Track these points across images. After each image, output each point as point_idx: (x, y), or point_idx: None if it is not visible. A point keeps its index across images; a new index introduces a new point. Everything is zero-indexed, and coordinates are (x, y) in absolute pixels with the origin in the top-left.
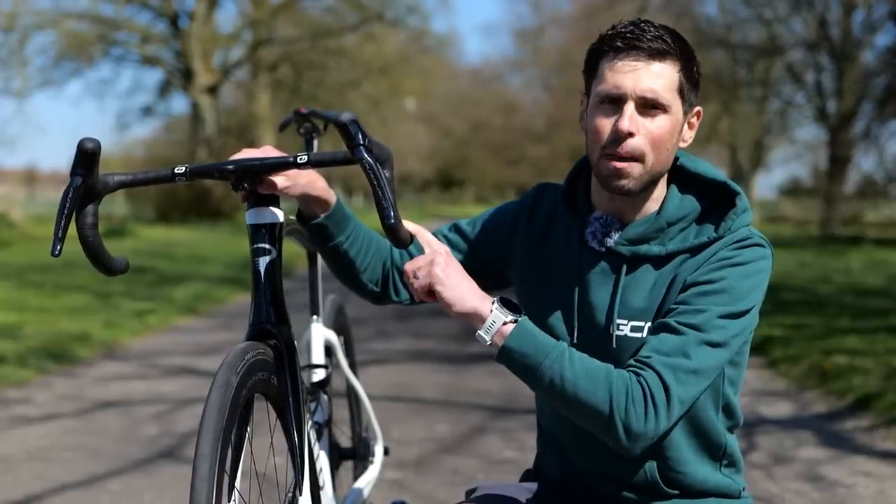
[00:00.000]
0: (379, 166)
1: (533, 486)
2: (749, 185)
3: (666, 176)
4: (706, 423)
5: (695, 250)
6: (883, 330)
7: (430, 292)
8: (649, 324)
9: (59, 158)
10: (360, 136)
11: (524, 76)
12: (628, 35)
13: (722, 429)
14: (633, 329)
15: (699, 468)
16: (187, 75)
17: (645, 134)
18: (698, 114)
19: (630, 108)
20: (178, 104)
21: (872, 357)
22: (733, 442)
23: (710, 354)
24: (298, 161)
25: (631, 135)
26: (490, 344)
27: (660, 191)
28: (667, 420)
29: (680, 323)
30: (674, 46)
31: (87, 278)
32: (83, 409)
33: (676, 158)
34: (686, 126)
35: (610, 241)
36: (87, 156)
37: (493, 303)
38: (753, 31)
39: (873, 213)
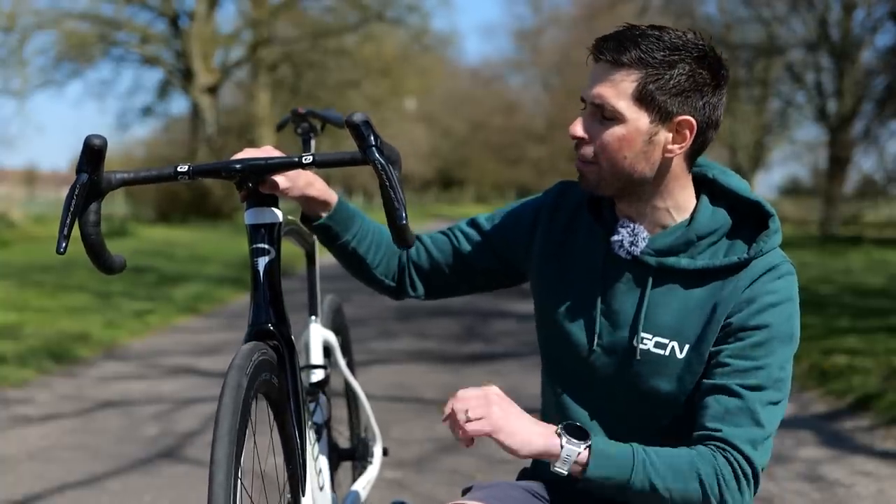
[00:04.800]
0: (391, 167)
1: (529, 484)
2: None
3: (690, 187)
4: None
5: (726, 270)
6: (883, 330)
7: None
8: (675, 343)
9: (59, 158)
10: (373, 137)
11: (524, 76)
12: (602, 43)
13: None
14: (657, 345)
15: None
16: (187, 75)
17: (596, 140)
18: (687, 124)
19: (584, 114)
20: (178, 104)
21: (872, 357)
22: None
23: (777, 412)
24: (303, 161)
25: (581, 140)
26: (568, 474)
27: (674, 201)
28: (755, 492)
29: (742, 386)
30: (634, 55)
31: (87, 278)
32: (83, 409)
33: (700, 170)
34: (670, 135)
35: (636, 250)
36: (94, 152)
37: (559, 437)
38: (753, 30)
39: (873, 213)
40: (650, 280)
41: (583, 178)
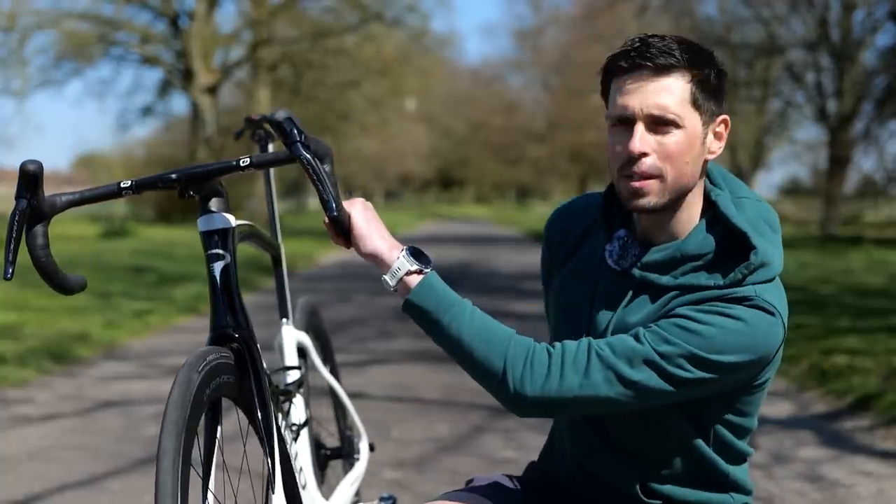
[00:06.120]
0: (318, 161)
1: (531, 479)
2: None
3: (700, 205)
4: (697, 450)
5: (697, 289)
6: (883, 330)
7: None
8: None
9: (59, 158)
10: (296, 133)
11: (524, 76)
12: (633, 53)
13: (718, 459)
14: None
15: (690, 486)
16: (187, 75)
17: (659, 151)
18: (725, 122)
19: (640, 128)
20: (178, 104)
21: (872, 357)
22: (738, 472)
23: (653, 378)
24: (240, 164)
25: (644, 155)
26: (395, 292)
27: (688, 213)
28: (569, 399)
29: (644, 337)
30: (681, 58)
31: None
32: (83, 409)
33: (707, 194)
34: (712, 136)
35: (625, 263)
36: (30, 178)
37: (402, 250)
38: (753, 30)
39: (873, 213)
40: (630, 293)
41: (641, 195)
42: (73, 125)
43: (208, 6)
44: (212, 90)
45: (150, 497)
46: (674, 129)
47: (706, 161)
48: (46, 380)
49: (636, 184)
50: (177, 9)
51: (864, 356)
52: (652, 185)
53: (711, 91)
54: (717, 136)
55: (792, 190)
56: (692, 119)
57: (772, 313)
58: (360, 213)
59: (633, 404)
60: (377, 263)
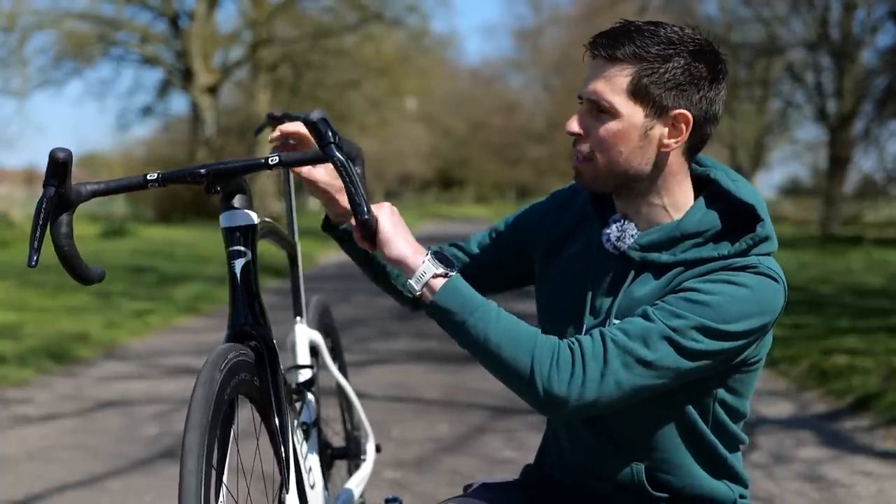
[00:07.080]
0: (350, 163)
1: (529, 481)
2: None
3: (688, 185)
4: (696, 433)
5: (701, 262)
6: (883, 330)
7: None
8: None
9: None
10: (331, 134)
11: (524, 76)
12: (597, 39)
13: (717, 443)
14: None
15: (690, 475)
16: (187, 75)
17: (593, 136)
18: (685, 119)
19: (581, 109)
20: (178, 104)
21: (872, 357)
22: (734, 459)
23: (670, 355)
24: (270, 162)
25: (579, 136)
26: (420, 296)
27: (671, 199)
28: (595, 392)
29: (654, 315)
30: (629, 50)
31: None
32: (83, 409)
33: (696, 174)
34: (666, 129)
35: (623, 246)
36: (59, 166)
37: (426, 254)
38: (753, 30)
39: (873, 213)
40: (631, 274)
41: (579, 176)
42: (73, 125)
43: (208, 6)
44: (212, 90)
45: (150, 497)
46: (609, 118)
47: (665, 154)
48: (46, 380)
49: (575, 164)
50: (177, 9)
51: (864, 356)
52: (585, 167)
53: (672, 85)
54: (675, 130)
55: (792, 190)
56: (630, 110)
57: (775, 280)
58: (387, 217)
59: (655, 385)
60: (402, 268)
